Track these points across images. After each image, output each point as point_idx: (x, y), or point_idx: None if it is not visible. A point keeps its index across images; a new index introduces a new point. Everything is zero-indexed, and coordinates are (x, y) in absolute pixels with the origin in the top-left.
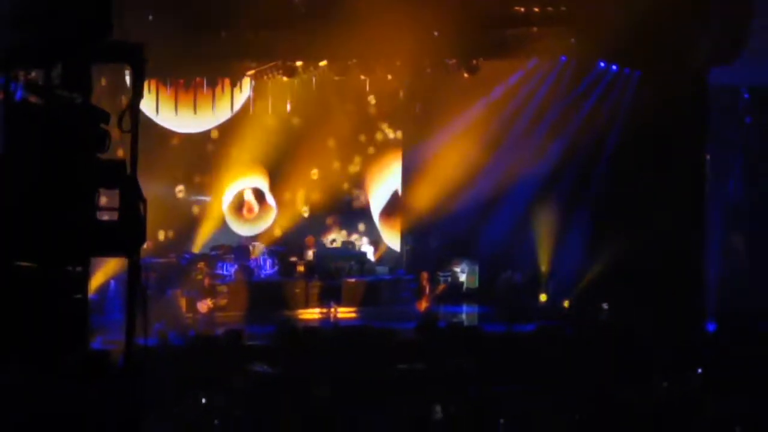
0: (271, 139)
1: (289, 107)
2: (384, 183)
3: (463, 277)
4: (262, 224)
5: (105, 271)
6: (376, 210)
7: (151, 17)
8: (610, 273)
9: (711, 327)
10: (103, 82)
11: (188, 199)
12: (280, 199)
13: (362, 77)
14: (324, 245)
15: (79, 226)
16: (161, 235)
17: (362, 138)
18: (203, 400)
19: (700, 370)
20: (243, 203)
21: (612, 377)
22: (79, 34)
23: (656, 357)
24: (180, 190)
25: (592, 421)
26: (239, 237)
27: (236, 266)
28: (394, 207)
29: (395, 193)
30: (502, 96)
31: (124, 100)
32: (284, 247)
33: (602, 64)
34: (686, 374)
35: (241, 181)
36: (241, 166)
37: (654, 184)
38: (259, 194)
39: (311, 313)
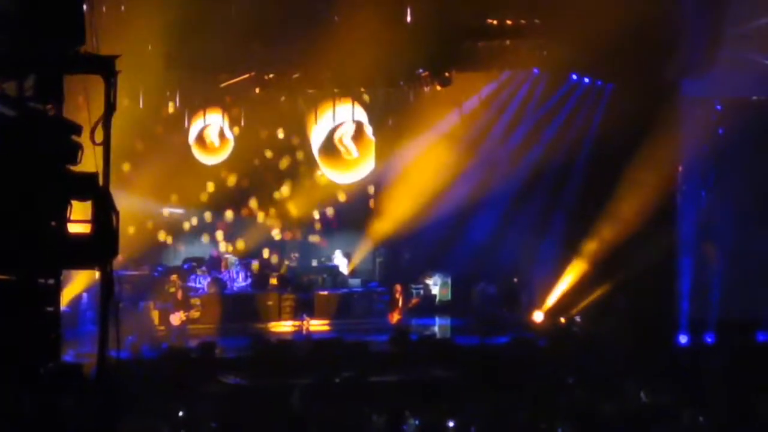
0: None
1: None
2: (322, 121)
3: (435, 290)
4: (222, 155)
5: (77, 284)
6: (315, 147)
7: (124, 30)
8: (584, 284)
9: (684, 339)
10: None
11: (161, 211)
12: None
13: (335, 90)
14: None
15: (50, 239)
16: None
17: None
18: (177, 413)
19: (669, 382)
20: (205, 137)
21: (585, 388)
22: (51, 46)
23: (629, 367)
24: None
25: (565, 431)
26: (210, 247)
27: (209, 279)
28: (331, 143)
29: (332, 131)
30: (475, 108)
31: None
32: (254, 259)
33: (575, 77)
34: (659, 384)
35: (203, 119)
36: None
37: (627, 195)
38: (219, 129)
39: (284, 326)
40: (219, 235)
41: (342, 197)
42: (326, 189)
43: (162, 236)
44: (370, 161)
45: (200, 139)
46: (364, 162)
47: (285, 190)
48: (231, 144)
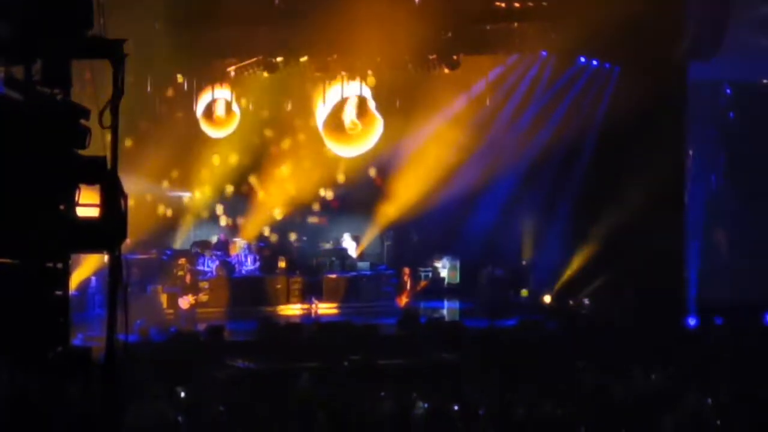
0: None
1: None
2: (328, 97)
3: (444, 273)
4: (228, 128)
5: (86, 268)
6: (320, 122)
7: (131, 14)
8: (592, 267)
9: (692, 322)
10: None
11: (169, 194)
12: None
13: (343, 73)
14: None
15: (59, 223)
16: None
17: None
18: (185, 396)
19: (677, 365)
20: (213, 111)
21: (593, 370)
22: (59, 31)
23: (637, 350)
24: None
25: (573, 414)
26: (218, 231)
27: (217, 262)
28: (335, 119)
29: (336, 106)
30: (483, 91)
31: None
32: (264, 242)
33: (582, 59)
34: (667, 367)
35: (210, 93)
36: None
37: (635, 179)
38: (226, 103)
39: (292, 309)
40: (219, 209)
41: (341, 178)
42: (329, 167)
43: (169, 217)
44: (374, 135)
45: (207, 112)
46: (367, 136)
47: (288, 169)
48: (237, 117)
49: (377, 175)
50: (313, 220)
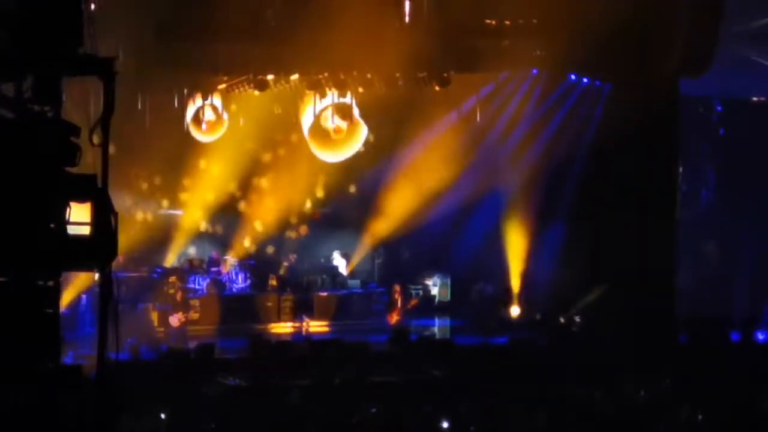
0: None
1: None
2: (317, 107)
3: (435, 290)
4: (216, 134)
5: (76, 286)
6: (306, 127)
7: (123, 31)
8: (583, 283)
9: (683, 336)
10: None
11: (160, 212)
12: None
13: (334, 90)
14: None
15: (50, 241)
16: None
17: None
18: (176, 414)
19: (668, 379)
20: (202, 117)
21: (585, 387)
22: (49, 48)
23: (628, 365)
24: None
25: (564, 429)
26: (210, 248)
27: (208, 280)
28: (320, 125)
29: (320, 112)
30: (474, 109)
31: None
32: (254, 260)
33: (573, 77)
34: (658, 382)
35: (200, 100)
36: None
37: (626, 195)
38: (214, 109)
39: (283, 327)
40: (207, 225)
41: (331, 195)
42: (319, 184)
43: (159, 235)
44: (358, 140)
45: (196, 118)
46: (351, 141)
47: (279, 187)
48: (226, 123)
49: (368, 191)
50: (295, 235)
